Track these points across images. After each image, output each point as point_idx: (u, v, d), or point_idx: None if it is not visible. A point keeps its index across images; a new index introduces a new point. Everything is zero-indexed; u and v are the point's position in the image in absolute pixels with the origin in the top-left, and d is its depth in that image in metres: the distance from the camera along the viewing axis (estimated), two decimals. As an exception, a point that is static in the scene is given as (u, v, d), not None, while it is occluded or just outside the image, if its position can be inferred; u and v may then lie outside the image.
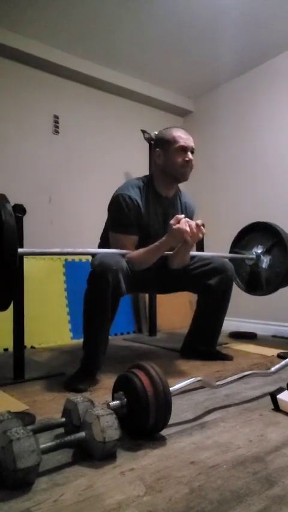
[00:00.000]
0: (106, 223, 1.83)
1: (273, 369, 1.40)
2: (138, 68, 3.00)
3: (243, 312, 3.01)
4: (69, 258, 2.77)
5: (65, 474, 0.84)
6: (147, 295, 2.88)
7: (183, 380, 1.14)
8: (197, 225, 1.54)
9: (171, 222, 1.54)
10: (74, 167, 2.92)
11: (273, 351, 2.12)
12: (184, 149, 1.70)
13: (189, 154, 1.72)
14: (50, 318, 2.52)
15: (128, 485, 0.78)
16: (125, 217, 1.67)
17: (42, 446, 0.83)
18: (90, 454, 0.89)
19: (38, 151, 2.78)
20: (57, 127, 2.87)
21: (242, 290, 2.24)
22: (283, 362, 1.42)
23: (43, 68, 2.80)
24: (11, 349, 1.75)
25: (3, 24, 2.49)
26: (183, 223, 1.53)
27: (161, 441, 0.99)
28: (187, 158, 1.70)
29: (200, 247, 2.34)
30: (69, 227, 2.82)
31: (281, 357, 1.98)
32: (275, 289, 2.10)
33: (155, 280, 1.89)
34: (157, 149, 1.76)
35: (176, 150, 1.70)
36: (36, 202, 2.67)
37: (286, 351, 2.11)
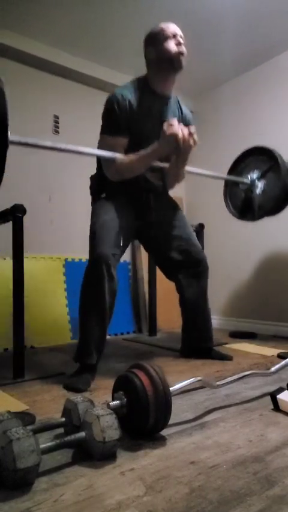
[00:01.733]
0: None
1: (273, 369, 1.40)
2: (138, 68, 2.98)
3: (243, 312, 3.01)
4: (69, 257, 2.77)
5: (65, 474, 0.84)
6: (147, 296, 2.88)
7: (183, 380, 1.14)
8: (190, 132, 1.56)
9: (164, 126, 1.56)
10: (74, 167, 2.92)
11: (273, 351, 2.12)
12: (174, 35, 1.69)
13: (179, 38, 1.70)
14: (50, 318, 2.52)
15: (128, 485, 0.78)
16: (115, 118, 1.65)
17: (42, 446, 0.83)
18: (90, 454, 0.89)
19: (38, 151, 2.77)
20: (57, 127, 2.87)
21: (235, 217, 2.24)
22: (283, 362, 1.42)
23: (43, 69, 2.80)
24: (11, 349, 1.75)
25: (4, 24, 2.48)
26: (176, 127, 1.54)
27: (161, 441, 0.99)
28: (177, 42, 1.68)
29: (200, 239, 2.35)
30: (69, 227, 2.81)
31: (281, 357, 1.98)
32: (266, 214, 2.09)
33: (143, 227, 1.87)
34: (148, 47, 1.75)
35: (165, 38, 1.69)
36: (36, 202, 2.67)
37: (286, 351, 2.11)
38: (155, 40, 1.72)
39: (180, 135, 1.54)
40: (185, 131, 1.56)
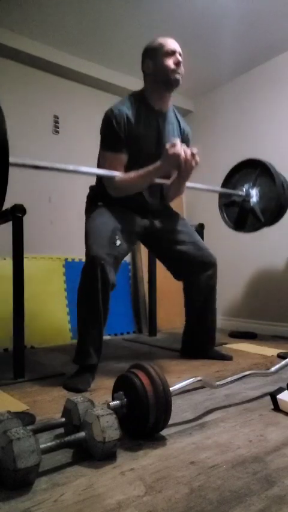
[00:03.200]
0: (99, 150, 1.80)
1: (273, 369, 1.40)
2: (138, 68, 2.99)
3: (243, 312, 3.01)
4: (69, 258, 2.77)
5: (65, 474, 0.84)
6: (147, 296, 2.88)
7: (183, 380, 1.14)
8: (192, 153, 1.56)
9: (167, 146, 1.55)
10: (74, 167, 2.92)
11: (273, 351, 2.12)
12: (172, 52, 1.67)
13: (178, 56, 1.68)
14: (50, 318, 2.52)
15: (128, 485, 0.78)
16: (114, 134, 1.63)
17: (42, 446, 0.83)
18: (90, 454, 0.89)
19: (38, 151, 2.78)
20: (57, 127, 2.87)
21: (231, 229, 2.25)
22: (283, 362, 1.42)
23: (43, 68, 2.80)
24: (11, 349, 1.75)
25: (4, 24, 2.49)
26: (179, 148, 1.53)
27: (161, 441, 0.99)
28: (176, 61, 1.67)
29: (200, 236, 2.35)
30: (69, 227, 2.82)
31: (281, 357, 1.98)
32: (272, 216, 2.09)
33: (145, 235, 1.87)
34: (146, 60, 1.73)
35: (164, 54, 1.67)
36: (36, 202, 2.67)
37: (286, 351, 2.11)
38: (153, 54, 1.70)
39: (182, 155, 1.53)
40: (188, 152, 1.55)
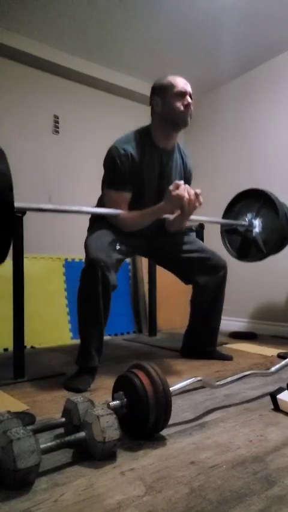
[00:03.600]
0: (102, 180, 1.78)
1: (273, 369, 1.40)
2: (138, 68, 3.00)
3: (243, 312, 3.01)
4: (69, 258, 2.77)
5: (65, 474, 0.84)
6: (147, 297, 2.88)
7: (183, 380, 1.14)
8: (195, 193, 1.54)
9: (170, 187, 1.54)
10: (74, 167, 2.92)
11: (273, 351, 2.12)
12: (183, 94, 1.64)
13: (188, 98, 1.66)
14: (50, 318, 2.52)
15: (128, 485, 0.78)
16: (118, 173, 1.63)
17: (42, 446, 0.83)
18: (90, 454, 0.89)
19: (38, 151, 2.78)
20: (57, 127, 2.87)
21: (234, 258, 2.21)
22: (283, 362, 1.42)
23: (43, 68, 2.80)
24: (11, 349, 1.75)
25: (3, 24, 2.49)
26: (183, 189, 1.52)
27: (161, 441, 0.99)
28: (186, 103, 1.65)
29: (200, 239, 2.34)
30: (69, 227, 2.82)
31: (281, 357, 1.98)
32: (274, 247, 2.07)
33: (147, 249, 1.89)
34: (155, 96, 1.69)
35: (174, 95, 1.64)
36: (36, 202, 2.67)
37: (286, 351, 2.11)
38: (163, 93, 1.66)
39: (186, 197, 1.52)
40: (191, 192, 1.54)
